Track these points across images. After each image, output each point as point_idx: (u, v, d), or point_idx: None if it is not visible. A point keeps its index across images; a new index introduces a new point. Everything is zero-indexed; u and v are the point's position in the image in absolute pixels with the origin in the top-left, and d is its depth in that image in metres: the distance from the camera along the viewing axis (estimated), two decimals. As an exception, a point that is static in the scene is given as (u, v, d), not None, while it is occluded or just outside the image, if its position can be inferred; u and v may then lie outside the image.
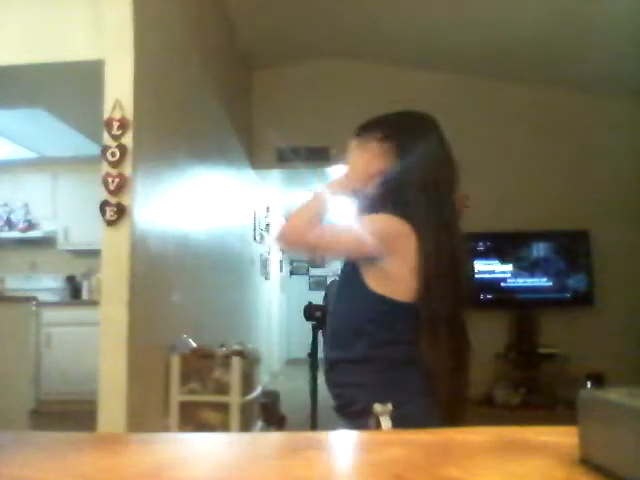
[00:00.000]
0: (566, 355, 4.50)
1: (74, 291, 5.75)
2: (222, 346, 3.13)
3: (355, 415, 1.23)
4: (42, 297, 5.05)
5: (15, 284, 5.60)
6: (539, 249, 4.92)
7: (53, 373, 4.74)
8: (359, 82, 5.02)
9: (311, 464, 0.44)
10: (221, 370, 2.93)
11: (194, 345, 3.03)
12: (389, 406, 1.17)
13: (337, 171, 5.09)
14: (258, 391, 3.40)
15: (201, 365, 2.94)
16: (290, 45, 4.97)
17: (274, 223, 7.15)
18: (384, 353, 1.25)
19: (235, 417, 2.89)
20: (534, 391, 4.42)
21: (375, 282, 1.26)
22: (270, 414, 3.94)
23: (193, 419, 2.88)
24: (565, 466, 0.40)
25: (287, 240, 1.33)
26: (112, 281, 2.54)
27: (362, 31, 4.64)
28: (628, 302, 4.59)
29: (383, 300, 1.25)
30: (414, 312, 1.25)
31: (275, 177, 6.09)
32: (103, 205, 2.55)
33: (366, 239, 1.23)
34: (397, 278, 1.26)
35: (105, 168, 2.56)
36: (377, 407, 1.16)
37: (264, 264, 6.69)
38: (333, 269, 8.79)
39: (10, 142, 5.05)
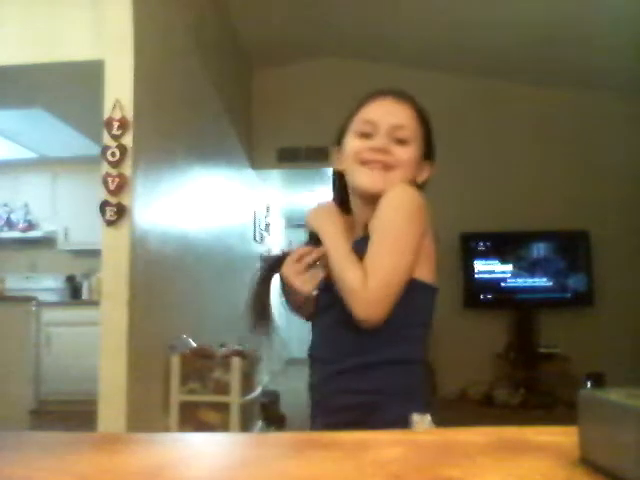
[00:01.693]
0: (566, 355, 4.50)
1: (74, 291, 5.75)
2: (222, 346, 3.13)
3: (383, 427, 0.90)
4: (42, 297, 5.05)
5: (15, 284, 5.60)
6: (539, 249, 4.92)
7: (53, 373, 4.74)
8: (359, 82, 5.00)
9: (311, 464, 0.44)
10: (221, 370, 2.93)
11: (194, 345, 3.03)
12: (427, 416, 1.01)
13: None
14: (258, 391, 3.40)
15: (201, 365, 2.94)
16: (290, 45, 4.97)
17: (274, 224, 7.13)
18: (420, 350, 1.11)
19: (235, 417, 2.89)
20: (534, 391, 4.42)
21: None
22: (270, 414, 3.94)
23: (193, 419, 2.88)
24: (565, 466, 0.40)
25: (374, 320, 1.00)
26: (112, 281, 2.54)
27: (362, 31, 4.65)
28: (628, 302, 4.59)
29: (423, 287, 1.08)
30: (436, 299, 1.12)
31: (275, 177, 6.09)
32: (103, 205, 2.55)
33: (415, 233, 1.05)
34: (431, 257, 1.10)
35: (105, 168, 2.56)
36: (415, 417, 1.00)
37: (264, 264, 6.67)
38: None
39: (10, 142, 5.05)
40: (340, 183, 1.23)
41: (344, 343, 1.09)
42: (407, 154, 1.14)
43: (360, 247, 1.07)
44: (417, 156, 1.16)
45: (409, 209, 1.07)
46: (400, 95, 1.22)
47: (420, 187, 1.18)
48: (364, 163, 1.13)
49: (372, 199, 1.11)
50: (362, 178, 1.13)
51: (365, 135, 1.15)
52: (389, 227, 1.06)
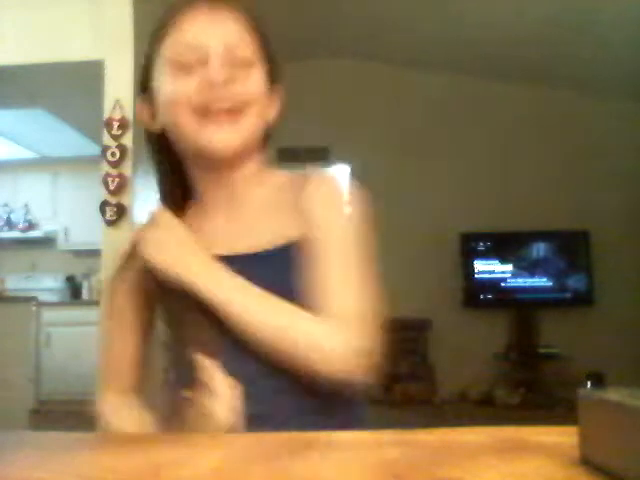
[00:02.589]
0: (566, 355, 4.50)
1: (74, 291, 5.75)
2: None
3: None
4: (42, 297, 5.06)
5: (15, 284, 5.60)
6: (539, 249, 4.92)
7: (53, 373, 4.74)
8: (359, 82, 5.02)
9: (311, 464, 0.44)
10: (221, 370, 2.92)
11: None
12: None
13: (337, 171, 5.09)
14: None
15: (201, 365, 2.93)
16: (290, 45, 4.96)
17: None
18: None
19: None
20: (534, 391, 4.42)
21: None
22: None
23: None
24: (565, 466, 0.40)
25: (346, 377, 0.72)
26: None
27: (362, 31, 4.64)
28: (628, 302, 4.59)
29: None
30: None
31: (275, 177, 6.08)
32: (103, 205, 2.55)
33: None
34: None
35: (105, 168, 2.57)
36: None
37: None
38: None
39: (10, 142, 5.05)
40: (161, 151, 0.85)
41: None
42: (255, 83, 0.80)
43: (270, 262, 0.76)
44: (265, 81, 0.83)
45: (360, 210, 0.80)
46: (219, 1, 0.83)
47: (270, 128, 0.87)
48: (201, 113, 0.76)
49: (224, 165, 0.80)
50: (204, 138, 0.77)
51: (186, 69, 0.77)
52: (347, 243, 0.77)
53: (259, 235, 0.79)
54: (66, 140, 4.83)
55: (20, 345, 4.40)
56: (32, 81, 3.27)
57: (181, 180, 0.86)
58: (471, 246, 4.90)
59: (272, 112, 0.87)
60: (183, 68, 0.78)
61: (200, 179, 0.84)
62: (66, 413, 4.28)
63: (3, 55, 2.86)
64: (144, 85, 0.85)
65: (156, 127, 0.83)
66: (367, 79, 5.01)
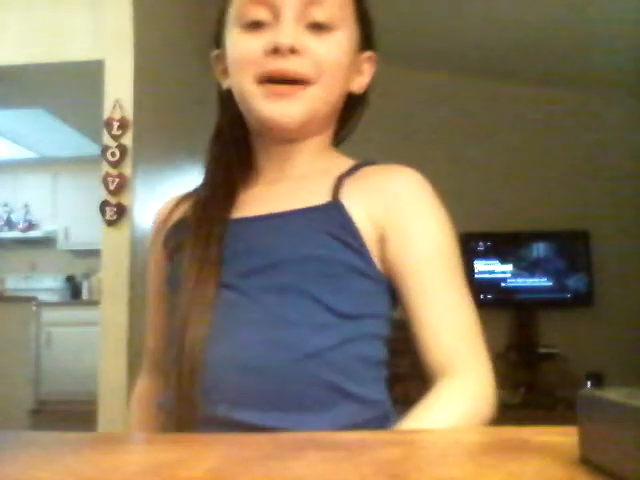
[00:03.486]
0: (566, 355, 4.50)
1: (74, 291, 5.76)
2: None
3: None
4: (42, 297, 5.06)
5: (15, 284, 5.61)
6: (539, 249, 4.92)
7: (53, 373, 4.75)
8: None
9: (311, 464, 0.44)
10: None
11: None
12: None
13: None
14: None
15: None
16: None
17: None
18: None
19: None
20: (534, 391, 4.42)
21: None
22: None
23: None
24: (565, 466, 0.40)
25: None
26: (112, 281, 2.54)
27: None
28: (628, 302, 4.59)
29: None
30: None
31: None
32: (103, 205, 2.55)
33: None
34: None
35: (105, 168, 2.57)
36: None
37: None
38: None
39: (10, 142, 5.06)
40: (232, 108, 0.77)
41: None
42: (332, 51, 0.69)
43: (317, 216, 0.69)
44: (351, 48, 0.72)
45: (450, 224, 0.73)
46: None
47: (361, 98, 0.78)
48: (263, 80, 0.69)
49: (286, 136, 0.74)
50: (265, 106, 0.69)
51: (255, 26, 0.69)
52: (453, 263, 0.71)
53: (299, 198, 0.72)
54: (66, 140, 4.84)
55: (20, 345, 4.40)
56: (32, 81, 3.27)
57: (239, 146, 0.79)
58: (471, 246, 4.90)
59: (360, 82, 0.76)
60: (251, 25, 0.69)
61: (260, 148, 0.78)
62: (66, 413, 4.29)
63: (3, 55, 2.86)
64: (218, 39, 0.79)
65: (225, 86, 0.78)
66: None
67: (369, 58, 0.77)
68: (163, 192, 3.01)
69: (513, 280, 4.89)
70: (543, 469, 0.41)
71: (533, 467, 0.41)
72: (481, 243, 4.92)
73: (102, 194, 2.57)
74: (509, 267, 4.91)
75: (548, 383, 4.45)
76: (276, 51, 0.67)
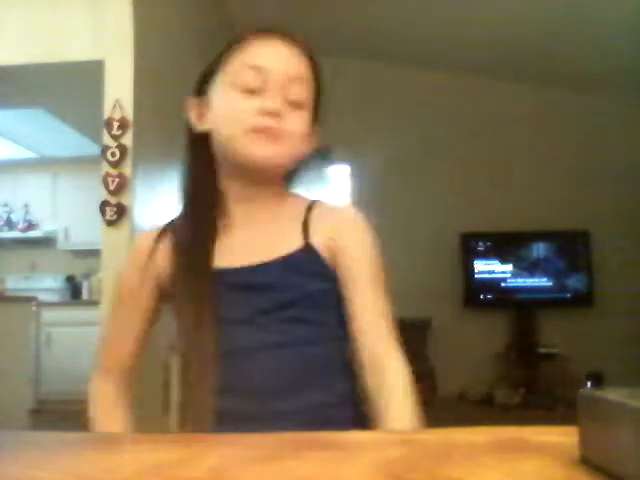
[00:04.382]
0: (566, 355, 4.50)
1: (74, 291, 5.75)
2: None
3: None
4: (42, 297, 5.05)
5: (15, 284, 5.60)
6: (539, 249, 4.92)
7: (53, 373, 4.74)
8: (359, 82, 5.02)
9: (311, 464, 0.44)
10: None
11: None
12: None
13: (338, 171, 5.09)
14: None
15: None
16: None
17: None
18: None
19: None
20: (534, 391, 4.42)
21: None
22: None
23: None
24: (565, 466, 0.40)
25: None
26: (112, 281, 2.54)
27: (362, 30, 4.64)
28: (628, 302, 4.59)
29: None
30: None
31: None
32: (103, 205, 2.55)
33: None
34: None
35: (105, 168, 2.57)
36: None
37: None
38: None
39: (10, 142, 5.06)
40: (202, 148, 0.92)
41: None
42: (300, 125, 0.90)
43: (298, 262, 0.89)
44: (308, 123, 0.93)
45: (375, 239, 0.94)
46: (290, 36, 0.93)
47: (299, 163, 0.97)
48: (252, 131, 0.86)
49: (255, 173, 0.89)
50: (250, 149, 0.86)
51: (250, 91, 0.87)
52: (379, 272, 0.92)
53: (274, 247, 0.90)
54: (66, 140, 4.83)
55: (20, 345, 4.39)
56: (32, 81, 3.27)
57: (209, 186, 0.93)
58: (471, 246, 4.90)
59: (306, 149, 0.95)
60: (246, 90, 0.87)
61: (229, 191, 0.93)
62: (66, 413, 4.28)
63: (3, 55, 2.86)
64: (200, 87, 0.94)
65: (201, 128, 0.92)
66: (367, 79, 5.01)
67: (315, 131, 0.96)
68: (163, 192, 3.01)
69: (513, 280, 4.89)
70: (543, 469, 0.41)
71: (533, 467, 0.41)
72: (481, 243, 4.92)
73: (102, 194, 2.57)
74: (509, 267, 4.91)
75: (548, 383, 4.45)
76: (266, 113, 0.86)
